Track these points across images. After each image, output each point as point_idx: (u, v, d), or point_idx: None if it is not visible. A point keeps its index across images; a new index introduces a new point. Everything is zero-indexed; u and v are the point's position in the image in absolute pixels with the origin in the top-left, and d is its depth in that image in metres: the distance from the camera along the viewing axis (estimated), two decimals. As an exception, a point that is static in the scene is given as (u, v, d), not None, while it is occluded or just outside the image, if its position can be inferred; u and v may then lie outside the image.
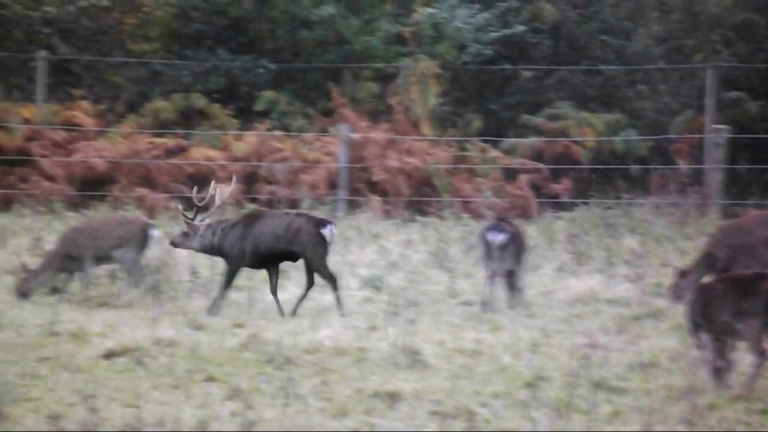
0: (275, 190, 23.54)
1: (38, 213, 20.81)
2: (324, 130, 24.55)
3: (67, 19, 25.85)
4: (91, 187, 23.31)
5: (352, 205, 23.00)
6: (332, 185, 23.57)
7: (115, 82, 25.72)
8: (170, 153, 23.90)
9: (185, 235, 13.91)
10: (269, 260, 13.93)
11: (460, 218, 19.88)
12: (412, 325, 11.65)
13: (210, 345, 11.65)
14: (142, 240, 14.37)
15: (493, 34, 26.04)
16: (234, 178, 15.15)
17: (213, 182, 14.61)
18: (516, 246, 14.25)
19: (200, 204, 13.93)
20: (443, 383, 10.46)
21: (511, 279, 14.28)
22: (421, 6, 26.20)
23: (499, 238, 14.16)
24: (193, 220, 13.87)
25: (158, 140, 24.03)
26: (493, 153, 24.30)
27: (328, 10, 25.17)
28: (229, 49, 25.64)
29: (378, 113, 25.12)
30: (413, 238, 18.82)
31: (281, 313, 13.57)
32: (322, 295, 14.55)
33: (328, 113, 25.23)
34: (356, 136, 23.77)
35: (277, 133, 24.36)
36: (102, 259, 14.32)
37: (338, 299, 13.72)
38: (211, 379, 10.37)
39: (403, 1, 26.56)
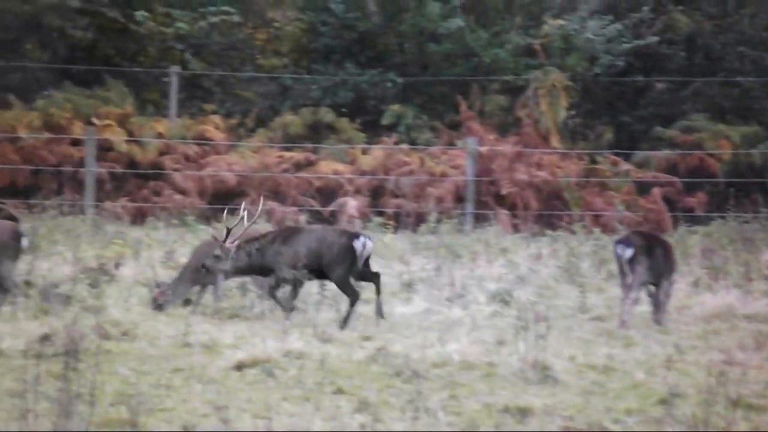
0: (402, 204, 23.54)
1: (171, 226, 21.08)
2: (451, 144, 24.49)
3: (199, 35, 26.25)
4: (222, 200, 23.56)
5: (480, 219, 22.89)
6: (459, 199, 23.50)
7: (245, 97, 26.02)
8: (299, 167, 24.08)
9: (217, 257, 13.91)
10: (312, 275, 13.92)
11: (591, 232, 19.61)
12: (542, 340, 11.47)
13: (339, 357, 11.64)
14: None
15: (625, 46, 25.74)
16: (261, 200, 14.93)
17: (243, 203, 14.53)
18: (653, 260, 13.92)
19: (231, 227, 13.91)
20: (574, 399, 10.29)
21: (656, 293, 13.98)
22: (551, 18, 26.00)
23: (627, 252, 13.89)
24: (224, 241, 13.84)
25: (287, 154, 24.21)
26: (625, 166, 23.99)
27: (457, 23, 25.13)
28: (357, 63, 25.75)
29: (506, 126, 24.99)
30: (542, 252, 18.63)
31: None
32: (450, 309, 14.47)
33: (455, 126, 25.18)
34: (484, 149, 23.66)
35: (404, 146, 24.38)
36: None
37: (348, 315, 13.53)
38: (339, 391, 10.35)
39: (532, 13, 26.41)
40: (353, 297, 13.61)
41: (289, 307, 13.64)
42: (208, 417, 9.28)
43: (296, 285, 13.71)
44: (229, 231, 13.78)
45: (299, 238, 13.86)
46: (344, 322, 13.46)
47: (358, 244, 13.76)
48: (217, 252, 13.78)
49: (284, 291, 13.78)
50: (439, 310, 14.34)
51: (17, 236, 13.87)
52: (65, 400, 8.72)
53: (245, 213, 13.98)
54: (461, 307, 14.62)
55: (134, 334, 12.31)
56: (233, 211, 22.57)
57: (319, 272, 13.78)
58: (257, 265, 13.82)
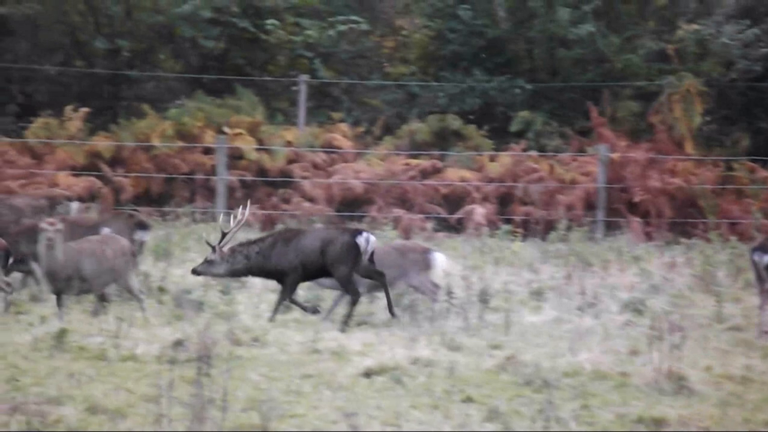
0: (530, 211, 23.37)
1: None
2: (582, 150, 24.24)
3: (327, 44, 26.42)
4: (350, 207, 23.68)
5: (611, 227, 22.61)
6: (590, 206, 23.24)
7: (372, 105, 26.11)
8: (425, 174, 24.05)
9: (209, 262, 13.88)
10: (314, 276, 14.03)
11: (728, 240, 19.22)
12: (677, 350, 11.24)
13: (467, 366, 11.56)
14: (425, 264, 14.36)
15: (763, 50, 25.21)
16: (248, 205, 14.82)
17: (241, 207, 14.48)
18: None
19: (227, 231, 13.89)
20: (711, 410, 10.06)
21: None
22: (685, 23, 25.59)
23: (765, 259, 13.55)
24: (219, 245, 13.86)
25: (414, 161, 24.21)
26: (763, 173, 23.47)
27: (587, 28, 24.88)
28: (485, 69, 25.65)
29: (638, 132, 24.65)
30: (676, 260, 18.31)
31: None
32: (581, 318, 14.29)
33: (585, 133, 24.91)
34: (615, 155, 23.37)
35: (533, 153, 24.20)
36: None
37: (349, 316, 13.63)
38: (469, 400, 10.27)
39: (666, 18, 26.02)
40: (355, 296, 13.75)
41: (311, 309, 13.76)
42: (338, 423, 9.29)
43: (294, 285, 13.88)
44: (224, 235, 13.86)
45: (302, 239, 13.93)
46: (345, 322, 13.59)
47: (361, 240, 13.84)
48: (211, 257, 13.84)
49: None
50: (570, 319, 14.17)
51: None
52: (198, 405, 8.80)
53: (242, 215, 14.02)
54: (592, 316, 14.43)
55: (265, 340, 12.39)
56: (361, 219, 22.79)
57: (322, 271, 13.88)
58: (257, 267, 13.93)
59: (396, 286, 14.22)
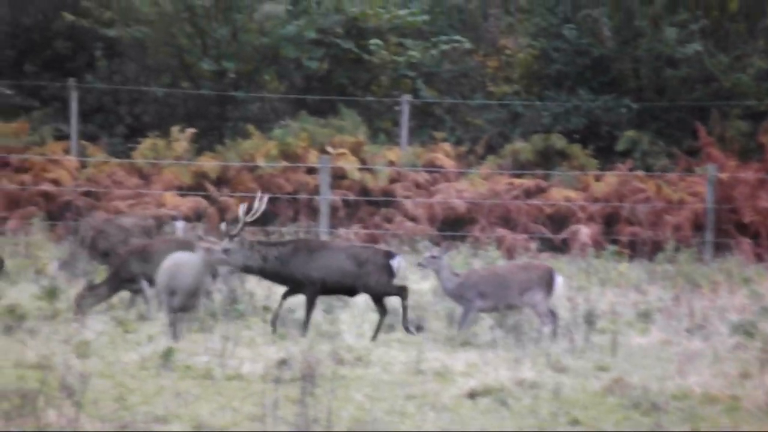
0: (637, 232, 23.13)
1: (402, 252, 21.21)
2: (689, 170, 23.92)
3: (430, 64, 26.44)
4: (452, 227, 23.64)
5: (720, 248, 22.26)
6: (698, 227, 22.93)
7: (475, 124, 26.05)
8: (529, 194, 23.93)
9: (225, 251, 13.73)
10: (331, 292, 14.12)
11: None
12: (788, 374, 11.06)
13: (573, 388, 11.45)
14: (548, 285, 14.25)
15: None
16: (259, 195, 14.70)
17: (259, 193, 14.38)
18: None
19: (248, 219, 13.81)
20: (824, 436, 9.84)
21: None
22: (795, 41, 25.20)
23: None
24: (236, 235, 13.78)
25: (517, 181, 24.11)
26: None
27: (694, 47, 24.57)
28: (590, 89, 25.46)
29: (748, 152, 24.25)
30: (790, 282, 17.99)
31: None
32: (689, 340, 14.08)
33: (693, 152, 24.58)
34: (724, 175, 23.02)
35: (639, 173, 23.95)
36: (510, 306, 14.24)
37: (377, 331, 13.84)
38: (575, 422, 10.17)
39: (776, 36, 25.62)
40: (384, 313, 14.02)
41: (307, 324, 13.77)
42: (443, 445, 9.27)
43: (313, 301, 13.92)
44: (243, 225, 13.80)
45: (328, 254, 13.86)
46: (374, 335, 13.79)
47: (395, 263, 13.94)
48: (227, 245, 13.75)
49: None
50: (678, 341, 13.97)
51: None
52: (303, 425, 8.84)
53: (259, 204, 13.95)
54: (701, 339, 14.20)
55: (368, 360, 12.40)
56: (463, 238, 22.73)
57: (345, 289, 14.01)
58: (271, 271, 13.91)
59: (516, 304, 14.12)
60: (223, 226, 14.14)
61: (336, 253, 14.11)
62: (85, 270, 16.60)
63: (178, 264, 13.09)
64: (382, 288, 14.00)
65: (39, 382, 9.55)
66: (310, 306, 14.00)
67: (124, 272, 14.95)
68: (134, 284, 15.03)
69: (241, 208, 14.15)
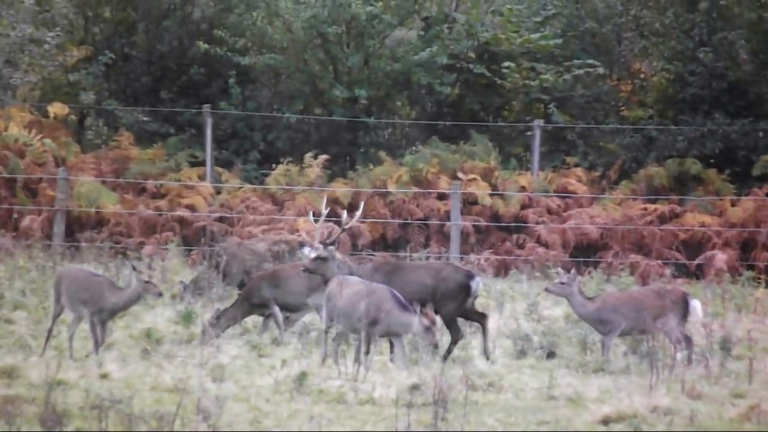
0: (774, 257, 22.73)
1: (533, 278, 21.15)
2: (825, 193, 23.42)
3: (563, 88, 26.32)
4: (585, 252, 23.47)
5: None
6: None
7: (608, 149, 25.83)
8: (663, 219, 23.65)
9: (322, 259, 13.80)
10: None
11: None
12: None
13: (709, 415, 11.29)
14: (683, 310, 14.08)
15: None
16: (361, 205, 14.65)
17: (345, 213, 14.34)
18: None
19: (346, 227, 13.74)
20: None
21: None
22: None
23: None
24: (332, 244, 13.71)
25: (651, 206, 23.85)
26: None
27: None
28: (726, 112, 25.07)
29: None
30: None
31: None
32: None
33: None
34: None
35: (777, 198, 23.52)
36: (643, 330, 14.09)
37: (449, 352, 13.64)
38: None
39: None
40: (456, 335, 13.94)
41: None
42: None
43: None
44: (338, 237, 13.81)
45: (406, 272, 13.76)
46: (445, 357, 13.67)
47: (474, 284, 13.92)
48: (323, 253, 13.70)
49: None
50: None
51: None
52: (435, 449, 8.85)
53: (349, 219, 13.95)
54: (841, 366, 13.86)
55: (500, 386, 12.38)
56: (596, 264, 22.54)
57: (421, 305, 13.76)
58: None
59: (649, 329, 13.94)
60: (344, 216, 14.42)
61: (415, 270, 14.21)
62: (219, 294, 16.86)
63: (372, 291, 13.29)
64: (455, 307, 13.95)
65: (175, 406, 9.73)
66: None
67: (255, 297, 15.16)
68: (266, 309, 15.21)
69: (344, 218, 14.39)
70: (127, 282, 13.83)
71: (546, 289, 14.46)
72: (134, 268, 13.71)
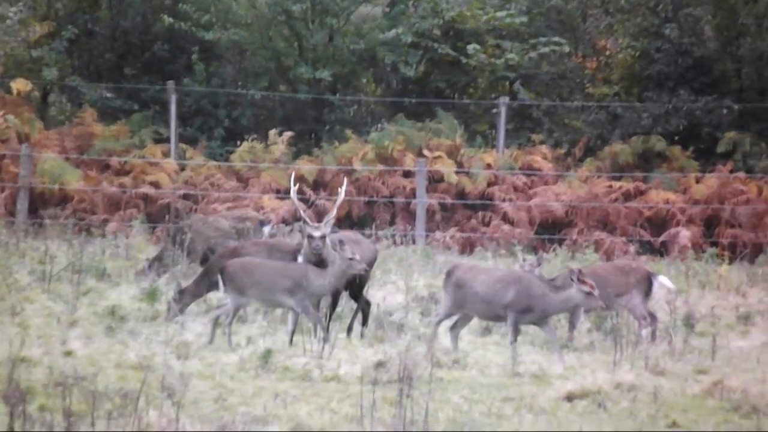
0: (738, 234, 22.84)
1: (499, 256, 21.20)
2: (790, 171, 23.58)
3: (528, 66, 26.33)
4: (550, 230, 23.54)
5: (824, 250, 21.90)
6: (800, 228, 22.59)
7: (574, 127, 25.88)
8: (628, 196, 23.73)
9: (323, 238, 13.62)
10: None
11: None
12: None
13: (672, 391, 11.36)
14: (647, 287, 14.14)
15: None
16: (344, 182, 14.80)
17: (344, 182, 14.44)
18: None
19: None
20: None
21: None
22: None
23: None
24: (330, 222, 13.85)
25: (616, 183, 23.92)
26: None
27: (799, 46, 24.17)
28: (691, 89, 25.14)
29: None
30: None
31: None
32: (791, 343, 13.90)
33: (796, 154, 24.24)
34: (826, 177, 22.67)
35: (740, 174, 23.63)
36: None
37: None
38: (674, 425, 10.09)
39: None
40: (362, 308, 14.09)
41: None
42: (540, 447, 9.24)
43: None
44: (332, 216, 13.82)
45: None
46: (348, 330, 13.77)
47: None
48: (327, 230, 13.63)
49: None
50: (777, 343, 13.78)
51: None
52: (400, 427, 8.87)
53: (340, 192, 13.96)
54: (803, 342, 14.00)
55: (465, 363, 12.40)
56: (561, 242, 22.61)
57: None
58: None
59: (614, 305, 13.99)
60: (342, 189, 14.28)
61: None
62: (183, 272, 16.80)
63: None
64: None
65: (140, 383, 9.70)
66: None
67: (215, 274, 15.07)
68: None
69: (340, 195, 14.28)
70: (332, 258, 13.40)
71: None
72: (341, 243, 13.29)
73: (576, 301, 12.85)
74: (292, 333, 13.29)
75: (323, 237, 13.65)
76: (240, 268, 13.40)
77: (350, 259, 13.22)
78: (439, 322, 13.38)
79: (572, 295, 12.79)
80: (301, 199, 23.50)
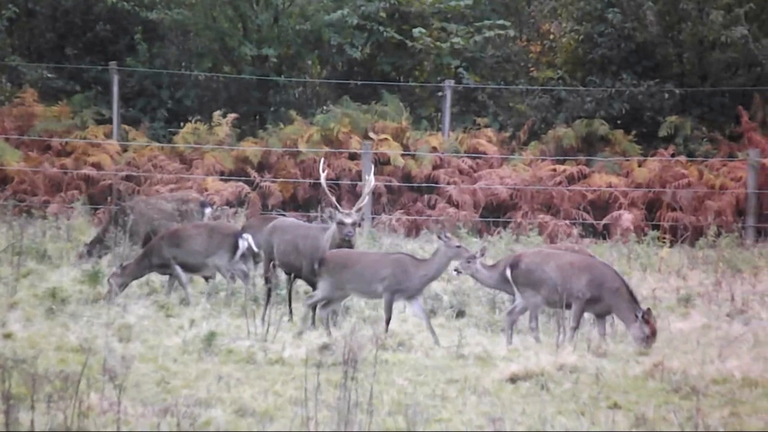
0: (679, 217, 23.03)
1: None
2: (731, 155, 23.80)
3: (473, 49, 26.37)
4: (494, 213, 23.62)
5: (761, 233, 22.15)
6: (740, 212, 22.81)
7: (518, 110, 25.96)
8: (572, 179, 23.86)
9: (354, 225, 13.60)
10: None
11: None
12: (831, 358, 10.98)
13: (614, 372, 11.44)
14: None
15: None
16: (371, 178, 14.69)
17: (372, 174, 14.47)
18: None
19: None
20: None
21: None
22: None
23: None
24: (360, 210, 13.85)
25: (560, 167, 24.04)
26: None
27: (740, 31, 24.31)
28: (634, 73, 25.29)
29: (790, 137, 24.10)
30: (828, 266, 17.84)
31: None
32: (730, 325, 14.04)
33: (735, 138, 24.46)
34: (766, 161, 22.89)
35: (682, 158, 23.83)
36: None
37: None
38: (615, 406, 10.16)
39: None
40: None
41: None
42: (483, 428, 9.27)
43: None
44: (365, 199, 13.81)
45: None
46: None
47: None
48: (357, 217, 13.56)
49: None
50: (719, 325, 13.93)
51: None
52: (345, 409, 8.86)
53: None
54: (742, 323, 14.17)
55: (410, 345, 12.43)
56: (506, 225, 22.70)
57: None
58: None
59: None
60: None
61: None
62: (126, 254, 16.69)
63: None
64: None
65: (81, 366, 9.62)
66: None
67: (155, 256, 15.00)
68: (166, 268, 15.04)
69: (368, 184, 14.13)
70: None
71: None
72: (445, 236, 13.00)
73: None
74: (388, 321, 13.09)
75: (355, 224, 13.53)
76: (340, 261, 13.17)
77: (458, 246, 12.99)
78: (511, 311, 13.21)
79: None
80: (245, 181, 23.52)
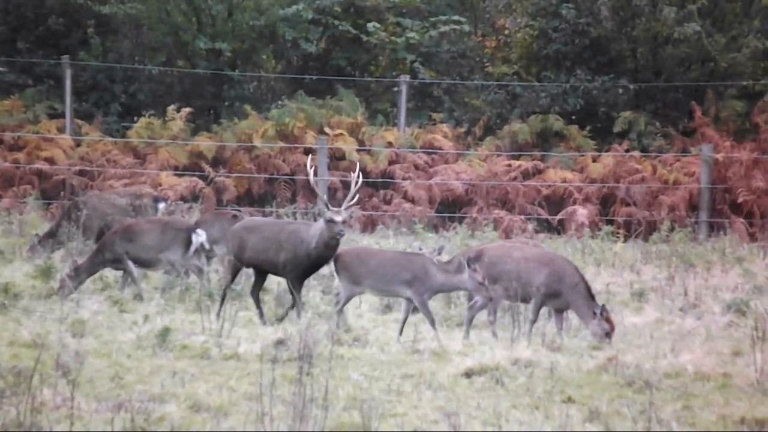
0: (633, 212, 23.17)
1: (400, 234, 21.26)
2: (685, 150, 23.97)
3: (428, 44, 26.40)
4: (450, 208, 23.66)
5: (714, 228, 22.32)
6: (693, 207, 22.98)
7: (474, 105, 26.02)
8: (527, 175, 23.94)
9: (345, 222, 13.43)
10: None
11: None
12: (782, 352, 11.07)
13: (568, 367, 11.48)
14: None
15: None
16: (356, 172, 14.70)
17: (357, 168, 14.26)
18: None
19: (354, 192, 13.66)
20: (818, 414, 9.85)
21: None
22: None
23: None
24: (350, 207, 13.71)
25: (515, 162, 24.12)
26: None
27: (693, 27, 24.49)
28: (588, 69, 25.42)
29: (743, 132, 24.30)
30: (781, 261, 18.02)
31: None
32: (683, 319, 14.13)
33: (689, 133, 24.64)
34: (719, 155, 23.05)
35: (636, 153, 23.98)
36: None
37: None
38: (569, 400, 10.20)
39: (771, 17, 25.57)
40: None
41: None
42: (439, 423, 9.28)
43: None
44: (353, 197, 13.64)
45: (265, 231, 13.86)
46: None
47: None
48: (347, 215, 13.43)
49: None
50: (672, 320, 14.01)
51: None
52: (300, 404, 8.85)
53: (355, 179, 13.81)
54: (695, 317, 14.27)
55: (365, 340, 12.42)
56: (461, 220, 22.75)
57: None
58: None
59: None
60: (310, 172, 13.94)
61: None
62: (79, 249, 16.58)
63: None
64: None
65: (34, 361, 9.54)
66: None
67: (108, 251, 14.90)
68: (119, 263, 14.95)
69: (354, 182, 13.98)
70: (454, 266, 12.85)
71: None
72: (473, 268, 12.64)
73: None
74: (404, 322, 12.96)
75: (345, 222, 13.38)
76: (356, 258, 13.03)
77: (480, 284, 12.71)
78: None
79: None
80: (200, 176, 23.42)
